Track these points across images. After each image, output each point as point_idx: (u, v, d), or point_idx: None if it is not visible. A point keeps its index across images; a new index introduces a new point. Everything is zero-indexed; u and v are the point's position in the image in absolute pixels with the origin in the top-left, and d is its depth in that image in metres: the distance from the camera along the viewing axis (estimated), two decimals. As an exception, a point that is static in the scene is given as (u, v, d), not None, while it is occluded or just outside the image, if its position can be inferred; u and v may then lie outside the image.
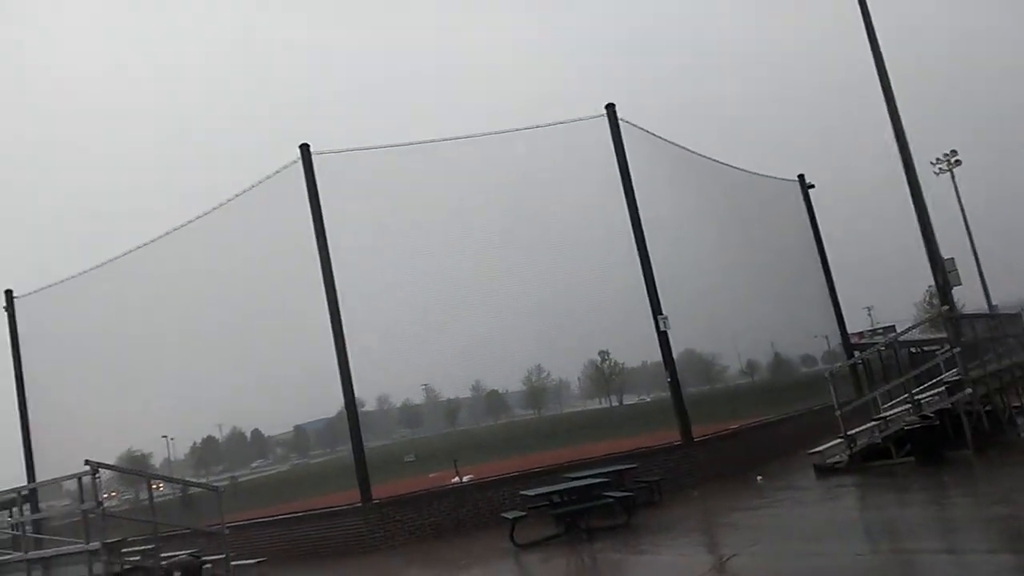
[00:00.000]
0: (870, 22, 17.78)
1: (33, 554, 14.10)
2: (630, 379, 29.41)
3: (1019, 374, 17.69)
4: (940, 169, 45.43)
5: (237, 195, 17.82)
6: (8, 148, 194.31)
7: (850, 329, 27.77)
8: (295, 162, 16.74)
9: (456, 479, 17.76)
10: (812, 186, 26.52)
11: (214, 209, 18.28)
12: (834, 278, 25.88)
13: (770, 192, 25.19)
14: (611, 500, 13.16)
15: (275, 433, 26.86)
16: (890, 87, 17.59)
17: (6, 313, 20.95)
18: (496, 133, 17.65)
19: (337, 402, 16.61)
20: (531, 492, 13.76)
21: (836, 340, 25.88)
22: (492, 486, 16.32)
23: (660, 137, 19.58)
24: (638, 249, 17.36)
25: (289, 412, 21.83)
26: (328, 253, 16.39)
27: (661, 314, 17.27)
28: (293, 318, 18.47)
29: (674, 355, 17.51)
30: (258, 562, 14.56)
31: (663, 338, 17.20)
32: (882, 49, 17.78)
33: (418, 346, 18.21)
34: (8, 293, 21.09)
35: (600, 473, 14.46)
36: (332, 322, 16.24)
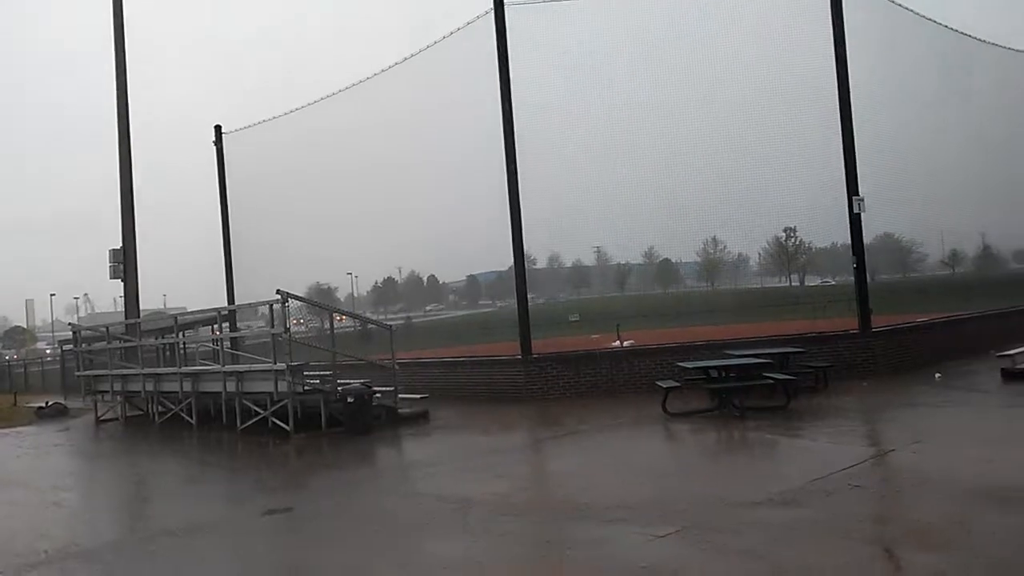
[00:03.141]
0: None
1: (228, 368, 15.79)
2: (816, 260, 27.90)
3: None
4: None
5: (428, 46, 17.97)
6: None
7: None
8: (487, 13, 16.53)
9: (616, 343, 17.88)
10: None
11: (407, 59, 18.53)
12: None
13: (1002, 64, 22.08)
14: (771, 381, 12.76)
15: (449, 280, 28.07)
16: None
17: (215, 147, 22.63)
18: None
19: (509, 256, 16.90)
20: (689, 364, 13.58)
21: (1061, 237, 23.15)
22: (651, 354, 16.30)
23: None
24: (841, 120, 15.88)
25: (464, 262, 22.64)
26: (511, 111, 16.30)
27: (857, 195, 15.98)
28: (474, 171, 18.70)
29: (869, 239, 16.31)
30: (421, 397, 15.54)
31: (855, 221, 15.98)
32: None
33: (592, 208, 18.02)
34: (217, 129, 22.71)
35: (765, 354, 13.98)
36: (508, 179, 16.35)
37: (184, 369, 17.02)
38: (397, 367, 15.37)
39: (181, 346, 18.02)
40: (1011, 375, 13.99)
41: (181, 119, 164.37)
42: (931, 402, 12.78)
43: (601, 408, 14.46)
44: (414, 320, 27.26)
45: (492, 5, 16.33)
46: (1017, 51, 22.51)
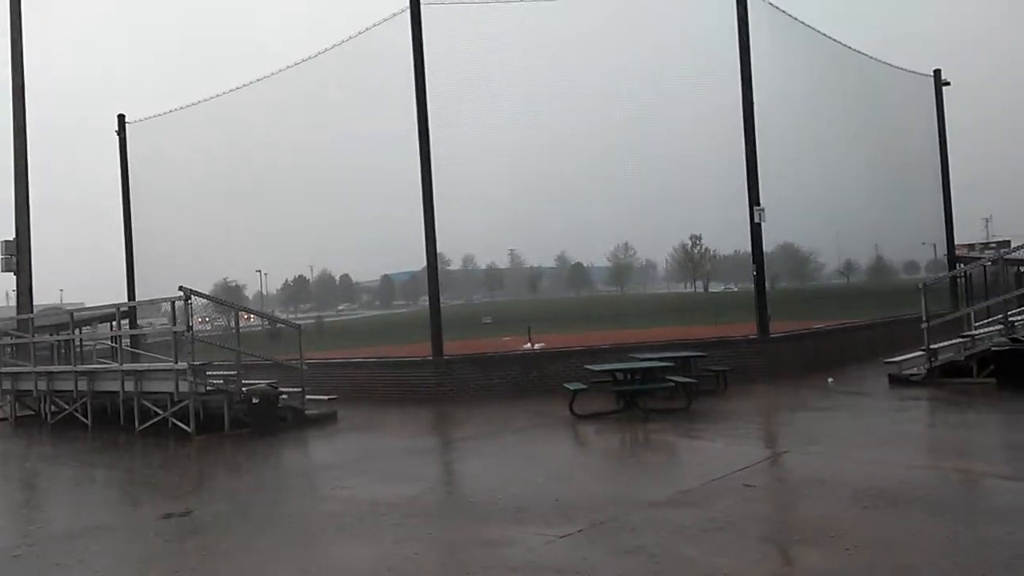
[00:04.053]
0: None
1: (127, 366, 15.24)
2: (720, 267, 28.78)
3: None
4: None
5: (344, 40, 17.79)
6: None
7: (963, 240, 26.28)
8: (403, 11, 16.48)
9: (528, 345, 18.09)
10: (948, 83, 24.52)
11: (319, 54, 18.30)
12: (951, 184, 24.35)
13: (898, 85, 23.41)
14: (673, 384, 13.18)
15: (363, 280, 27.79)
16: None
17: (118, 137, 21.81)
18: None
19: (424, 257, 16.88)
20: (595, 367, 13.86)
21: (945, 249, 24.65)
22: (561, 356, 16.57)
23: (784, 11, 18.26)
24: (745, 133, 16.62)
25: (378, 261, 22.40)
26: (426, 111, 16.26)
27: (758, 205, 16.68)
28: (392, 170, 18.58)
29: (771, 248, 17.11)
30: (330, 398, 15.35)
31: (755, 230, 16.71)
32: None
33: (508, 211, 18.18)
34: (120, 118, 21.90)
35: (668, 357, 14.41)
36: (422, 179, 16.35)
37: (79, 367, 16.33)
38: (305, 367, 15.13)
39: (77, 343, 17.28)
40: (897, 380, 14.86)
41: (82, 105, 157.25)
42: (824, 406, 13.43)
43: (510, 409, 14.60)
44: (325, 320, 26.81)
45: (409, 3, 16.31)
46: (909, 71, 23.88)
